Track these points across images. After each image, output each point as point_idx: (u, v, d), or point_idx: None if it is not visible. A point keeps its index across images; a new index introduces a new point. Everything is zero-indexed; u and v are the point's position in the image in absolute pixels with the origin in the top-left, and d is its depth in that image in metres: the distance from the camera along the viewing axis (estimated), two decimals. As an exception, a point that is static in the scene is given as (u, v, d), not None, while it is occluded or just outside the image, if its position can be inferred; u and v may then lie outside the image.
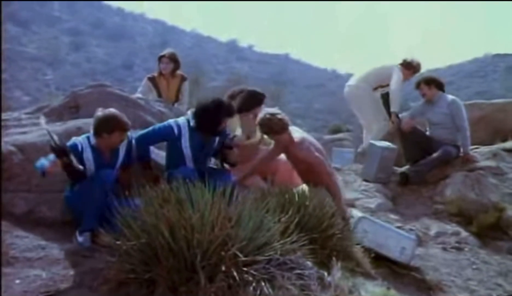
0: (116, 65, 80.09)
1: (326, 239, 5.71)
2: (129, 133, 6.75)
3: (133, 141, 6.85)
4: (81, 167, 6.20)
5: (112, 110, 6.66)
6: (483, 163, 10.01)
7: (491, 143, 11.47)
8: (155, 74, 10.46)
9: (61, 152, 5.93)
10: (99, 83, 8.94)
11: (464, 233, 8.44)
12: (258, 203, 5.25)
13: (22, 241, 5.81)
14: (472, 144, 10.84)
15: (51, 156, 5.96)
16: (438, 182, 9.64)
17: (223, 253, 4.34)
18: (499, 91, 60.06)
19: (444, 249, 8.00)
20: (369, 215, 7.73)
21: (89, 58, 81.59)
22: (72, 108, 8.48)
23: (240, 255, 4.34)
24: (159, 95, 10.26)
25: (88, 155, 6.44)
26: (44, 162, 5.94)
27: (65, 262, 5.48)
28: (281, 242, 4.68)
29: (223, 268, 4.28)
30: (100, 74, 67.56)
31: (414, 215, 8.76)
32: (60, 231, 6.38)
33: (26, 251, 5.60)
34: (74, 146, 6.37)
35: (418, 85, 10.28)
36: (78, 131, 7.19)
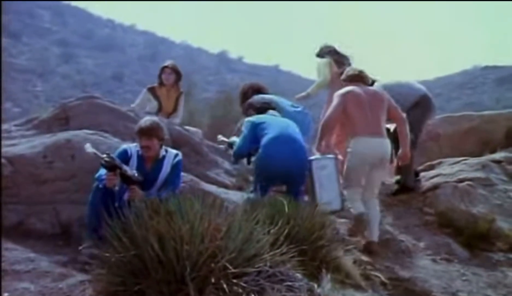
0: (106, 76, 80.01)
1: (315, 251, 5.71)
2: (179, 155, 6.88)
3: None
4: (134, 172, 6.37)
5: (148, 117, 6.85)
6: (473, 174, 10.03)
7: (480, 154, 11.52)
8: (155, 85, 10.39)
9: (112, 166, 6.12)
10: (89, 95, 8.95)
11: (453, 244, 8.45)
12: (247, 214, 5.24)
13: (11, 253, 5.79)
14: (461, 155, 10.90)
15: (103, 170, 6.24)
16: (427, 193, 9.67)
17: (212, 264, 4.33)
18: (488, 103, 60.37)
19: (434, 260, 8.00)
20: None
21: (79, 69, 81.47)
22: (62, 120, 8.48)
23: (230, 266, 4.33)
24: (160, 105, 10.22)
25: (133, 162, 6.60)
26: (102, 172, 6.27)
27: (54, 275, 5.47)
28: (271, 253, 4.68)
29: (213, 280, 4.27)
30: (90, 86, 67.46)
31: (404, 226, 8.76)
32: (50, 243, 6.37)
33: (15, 264, 5.58)
34: (124, 153, 6.62)
35: None
36: (68, 143, 7.20)
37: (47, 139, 7.48)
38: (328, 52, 10.62)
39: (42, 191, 6.86)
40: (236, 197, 7.93)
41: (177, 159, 6.81)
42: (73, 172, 7.07)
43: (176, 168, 6.80)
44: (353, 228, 8.07)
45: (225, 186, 8.58)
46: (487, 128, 13.38)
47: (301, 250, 5.28)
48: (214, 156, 9.26)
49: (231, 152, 8.44)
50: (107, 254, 4.66)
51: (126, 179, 6.28)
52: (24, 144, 7.45)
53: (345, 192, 8.17)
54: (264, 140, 7.48)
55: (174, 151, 6.88)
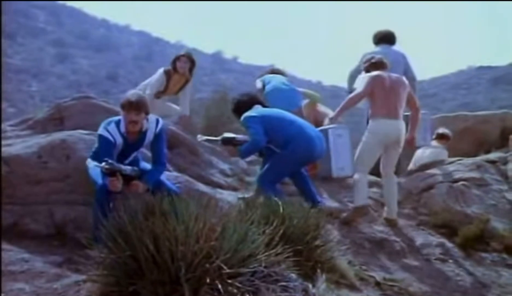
0: (101, 76, 79.75)
1: (310, 251, 5.71)
2: (159, 121, 6.91)
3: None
4: (133, 168, 6.52)
5: (132, 91, 6.80)
6: (467, 174, 10.06)
7: (475, 154, 11.58)
8: (171, 69, 10.49)
9: (112, 172, 6.20)
10: (84, 95, 8.94)
11: (448, 244, 8.47)
12: (242, 214, 5.24)
13: (6, 254, 5.77)
14: (456, 156, 10.93)
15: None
16: (422, 193, 9.69)
17: (207, 265, 4.33)
18: (483, 103, 60.36)
19: (429, 260, 8.01)
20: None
21: (74, 69, 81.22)
22: (57, 120, 8.47)
23: (225, 267, 4.32)
24: (166, 88, 10.43)
25: (119, 144, 6.61)
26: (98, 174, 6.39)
27: (48, 275, 5.46)
28: (266, 254, 4.67)
29: (208, 281, 4.26)
30: (85, 86, 67.31)
31: (398, 226, 8.76)
32: (44, 244, 6.36)
33: (9, 264, 5.57)
34: (110, 145, 6.54)
35: None
36: (62, 143, 7.18)
37: (42, 139, 7.47)
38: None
39: (37, 191, 6.85)
40: (231, 197, 7.94)
41: (159, 127, 6.83)
42: (68, 172, 7.06)
43: (160, 136, 6.86)
44: (350, 217, 8.53)
45: (220, 186, 8.58)
46: (482, 128, 13.45)
47: (296, 250, 5.27)
48: (209, 156, 9.26)
49: (222, 147, 8.65)
50: (102, 255, 4.66)
51: (127, 177, 6.36)
52: (19, 144, 7.44)
53: (355, 175, 8.66)
54: (293, 130, 7.74)
55: (154, 117, 6.85)
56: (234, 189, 8.67)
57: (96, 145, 6.71)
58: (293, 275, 4.80)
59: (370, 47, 10.90)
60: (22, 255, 5.85)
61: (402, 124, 8.77)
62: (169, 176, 7.55)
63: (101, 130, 6.56)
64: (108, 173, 6.20)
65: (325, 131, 9.14)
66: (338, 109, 8.93)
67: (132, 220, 4.70)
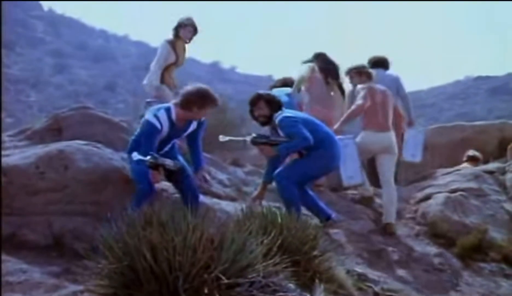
0: (99, 87, 79.72)
1: (308, 261, 5.70)
2: None
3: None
4: (176, 163, 7.01)
5: (203, 86, 7.22)
6: (465, 185, 10.07)
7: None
8: (172, 38, 10.51)
9: (156, 166, 6.67)
10: (82, 106, 8.94)
11: (447, 255, 8.46)
12: (240, 224, 5.24)
13: (3, 264, 5.76)
14: (454, 165, 10.93)
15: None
16: (420, 203, 9.69)
17: (205, 275, 4.32)
18: (480, 113, 60.51)
19: (427, 270, 8.01)
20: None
21: (72, 80, 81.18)
22: (55, 130, 8.47)
23: (223, 277, 4.31)
24: (177, 59, 10.48)
25: (165, 129, 6.99)
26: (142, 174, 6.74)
27: (46, 286, 5.45)
28: (264, 264, 4.66)
29: (206, 291, 4.25)
30: (83, 96, 67.26)
31: (396, 236, 8.76)
32: (42, 254, 6.35)
33: (7, 275, 5.56)
34: (157, 132, 6.91)
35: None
36: (60, 154, 7.18)
37: (40, 150, 7.46)
38: (316, 57, 10.63)
39: (35, 202, 6.84)
40: (229, 207, 7.93)
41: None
42: (66, 183, 7.05)
43: (203, 124, 7.47)
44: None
45: (218, 197, 8.57)
46: (480, 138, 13.48)
47: (294, 260, 5.28)
48: (207, 166, 9.26)
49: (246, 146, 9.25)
50: (99, 265, 4.65)
51: (168, 171, 6.86)
52: (17, 155, 7.43)
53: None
54: (324, 134, 7.99)
55: None
56: (232, 199, 8.66)
57: (137, 131, 7.08)
58: (291, 285, 4.79)
59: (366, 56, 10.97)
60: (20, 266, 5.84)
61: (391, 135, 9.27)
62: (168, 186, 7.56)
63: (149, 117, 6.90)
64: (152, 167, 6.60)
65: None
66: (341, 120, 9.37)
67: (130, 230, 4.69)
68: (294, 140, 7.65)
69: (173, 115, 6.97)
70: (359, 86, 9.50)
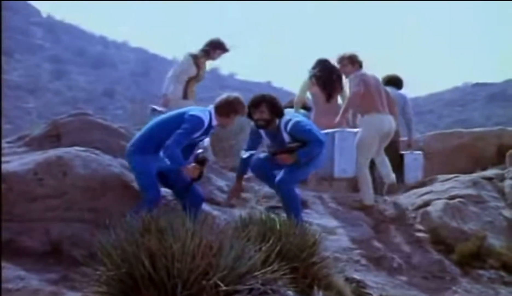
0: (97, 93, 79.68)
1: (307, 268, 5.70)
2: None
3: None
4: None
5: (236, 94, 7.80)
6: (464, 191, 10.06)
7: (471, 172, 11.56)
8: (197, 53, 10.72)
9: (204, 161, 7.18)
10: (80, 112, 8.91)
11: (445, 262, 8.46)
12: (239, 231, 5.24)
13: (1, 271, 5.75)
14: (452, 172, 10.94)
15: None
16: (419, 210, 9.68)
17: (204, 282, 4.32)
18: (478, 120, 60.53)
19: (426, 277, 8.00)
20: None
21: (70, 86, 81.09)
22: (53, 137, 8.45)
23: (221, 284, 4.31)
24: (197, 75, 10.77)
25: (202, 131, 7.41)
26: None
27: (44, 293, 5.44)
28: (263, 271, 4.67)
29: (204, 298, 4.26)
30: (82, 102, 67.18)
31: (395, 243, 8.76)
32: (41, 261, 6.34)
33: (5, 282, 5.55)
34: (200, 128, 7.34)
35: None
36: (59, 160, 7.17)
37: (38, 156, 7.45)
38: (316, 65, 10.77)
39: (33, 208, 6.82)
40: (227, 214, 7.92)
41: None
42: (64, 189, 7.04)
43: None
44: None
45: (217, 203, 8.56)
46: (478, 145, 13.47)
47: (293, 267, 5.27)
48: (206, 173, 9.24)
49: None
50: (98, 272, 4.64)
51: (200, 175, 7.25)
52: (16, 161, 7.42)
53: (360, 172, 9.66)
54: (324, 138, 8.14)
55: None
56: (231, 206, 8.65)
57: (183, 126, 7.16)
58: (290, 292, 4.79)
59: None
60: (18, 273, 5.82)
61: (391, 118, 9.89)
62: (165, 192, 7.55)
63: (199, 113, 7.32)
64: (201, 162, 7.07)
65: (331, 134, 9.50)
66: (341, 112, 9.81)
67: (128, 236, 4.69)
68: (310, 145, 7.72)
69: (214, 120, 7.46)
70: (351, 75, 9.80)
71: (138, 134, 7.41)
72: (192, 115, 7.25)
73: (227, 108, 7.54)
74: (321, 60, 10.84)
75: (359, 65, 9.92)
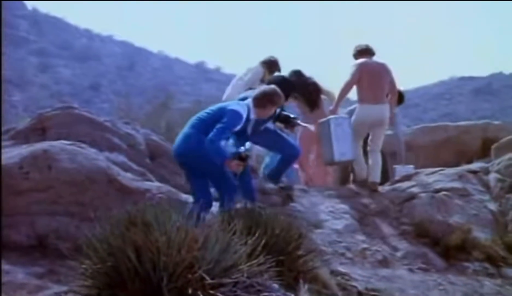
0: (83, 86, 79.40)
1: (293, 261, 5.72)
2: None
3: None
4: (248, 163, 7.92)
5: (273, 86, 8.20)
6: (449, 185, 10.10)
7: (456, 165, 11.60)
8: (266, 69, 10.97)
9: (246, 157, 7.51)
10: (66, 105, 8.90)
11: (430, 254, 8.49)
12: (224, 224, 5.24)
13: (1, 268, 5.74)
14: (438, 166, 10.99)
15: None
16: (404, 203, 9.71)
17: (189, 275, 4.32)
18: (464, 114, 60.77)
19: (411, 270, 8.03)
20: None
21: (56, 79, 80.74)
22: (39, 130, 8.43)
23: (207, 277, 4.32)
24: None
25: (241, 124, 7.69)
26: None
27: (30, 287, 5.43)
28: (248, 264, 4.67)
29: (190, 291, 4.25)
30: (68, 96, 66.84)
31: (381, 236, 8.78)
32: (26, 255, 6.33)
33: (-10, 276, 5.53)
34: (241, 122, 7.63)
35: None
36: (44, 154, 7.15)
37: (24, 150, 7.42)
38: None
39: (19, 202, 6.81)
40: (213, 207, 7.92)
41: None
42: (50, 183, 7.02)
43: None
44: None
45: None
46: (464, 138, 13.53)
47: (278, 260, 5.27)
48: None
49: None
50: (83, 266, 4.64)
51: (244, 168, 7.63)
52: (2, 155, 7.39)
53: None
54: None
55: None
56: (217, 200, 8.65)
57: (223, 121, 7.40)
58: (276, 285, 4.80)
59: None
60: (3, 266, 5.81)
61: (386, 108, 10.20)
62: (151, 186, 7.55)
63: (238, 108, 7.65)
64: (243, 158, 7.40)
65: (327, 121, 10.02)
66: (335, 102, 10.29)
67: (114, 230, 4.68)
68: None
69: (252, 113, 7.82)
70: (352, 63, 10.33)
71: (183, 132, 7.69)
72: (231, 110, 7.53)
73: (264, 100, 7.91)
74: (295, 72, 11.04)
75: (362, 53, 10.50)
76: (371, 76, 10.18)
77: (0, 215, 6.51)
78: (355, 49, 10.73)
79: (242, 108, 7.65)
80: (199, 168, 7.46)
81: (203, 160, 7.33)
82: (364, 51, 10.57)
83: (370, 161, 10.22)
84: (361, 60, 10.34)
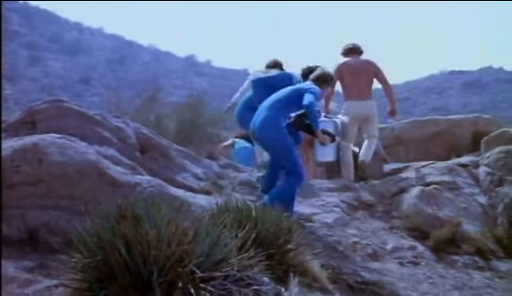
0: (73, 80, 79.23)
1: (283, 255, 5.72)
2: None
3: None
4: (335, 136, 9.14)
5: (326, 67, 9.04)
6: (439, 178, 10.14)
7: (447, 158, 11.65)
8: None
9: (333, 137, 8.86)
10: (56, 99, 8.85)
11: (420, 248, 8.52)
12: (215, 218, 5.25)
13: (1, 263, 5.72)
14: (428, 159, 11.03)
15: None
16: (394, 196, 9.75)
17: (180, 269, 4.32)
18: (454, 107, 60.95)
19: (401, 263, 8.05)
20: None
21: (46, 72, 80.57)
22: (29, 123, 8.40)
23: (197, 271, 4.32)
24: None
25: None
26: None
27: (20, 281, 5.41)
28: (238, 257, 4.68)
29: (180, 285, 4.25)
30: (58, 89, 66.71)
31: (371, 229, 8.81)
32: (16, 249, 6.30)
33: (-20, 270, 5.52)
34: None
35: None
36: (35, 147, 7.13)
37: (15, 143, 7.40)
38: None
39: (10, 196, 6.78)
40: (204, 201, 7.92)
41: None
42: (40, 177, 7.00)
43: None
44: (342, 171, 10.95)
45: (193, 190, 8.55)
46: (454, 132, 13.56)
47: (269, 254, 5.29)
48: (182, 160, 9.23)
49: None
50: (73, 259, 4.64)
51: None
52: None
53: (342, 142, 10.89)
54: None
55: None
56: (207, 193, 8.66)
57: (312, 90, 8.28)
58: (266, 279, 4.81)
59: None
60: (-6, 261, 5.79)
61: (371, 103, 11.00)
62: (141, 180, 7.53)
63: (316, 87, 8.40)
64: (332, 136, 8.77)
65: None
66: (324, 106, 10.71)
67: (104, 224, 4.68)
68: None
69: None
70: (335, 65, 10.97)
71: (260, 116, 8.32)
72: (312, 87, 8.34)
73: (320, 81, 8.61)
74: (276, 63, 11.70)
75: (347, 53, 11.34)
76: (352, 74, 10.89)
77: (0, 208, 6.50)
78: (343, 48, 11.41)
79: (314, 87, 8.41)
80: (275, 148, 8.25)
81: (280, 141, 8.10)
82: (351, 50, 11.24)
83: (364, 143, 11.02)
84: (342, 60, 11.18)
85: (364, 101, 10.97)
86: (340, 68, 10.98)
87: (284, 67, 10.89)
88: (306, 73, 9.17)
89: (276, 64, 10.96)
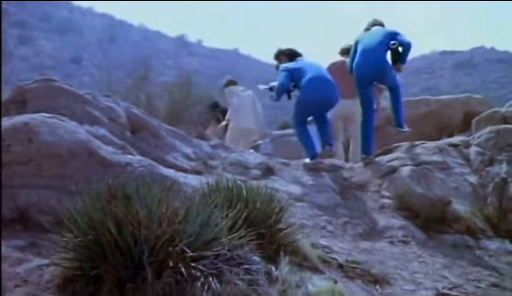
0: (64, 59, 78.99)
1: (273, 234, 5.73)
2: None
3: None
4: None
5: None
6: (430, 158, 10.16)
7: (438, 138, 11.69)
8: None
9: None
10: (46, 78, 8.81)
11: (411, 227, 8.55)
12: (206, 198, 5.25)
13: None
14: (419, 139, 11.05)
15: None
16: (385, 176, 9.76)
17: (170, 248, 4.32)
18: (445, 88, 61.03)
19: (391, 242, 8.08)
20: None
21: (37, 52, 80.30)
22: (19, 102, 8.37)
23: (188, 250, 4.32)
24: None
25: None
26: None
27: (11, 260, 5.41)
28: (229, 237, 4.68)
29: (171, 264, 4.26)
30: (48, 69, 66.51)
31: (361, 209, 8.84)
32: (7, 228, 6.29)
33: (-29, 250, 5.51)
34: None
35: None
36: (25, 127, 7.10)
37: (5, 122, 7.37)
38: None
39: (0, 175, 6.77)
40: (194, 181, 7.92)
41: None
42: (31, 156, 6.98)
43: None
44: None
45: (184, 170, 8.55)
46: (445, 112, 13.62)
47: (259, 233, 5.29)
48: (173, 140, 9.22)
49: (272, 94, 10.86)
50: (64, 239, 4.64)
51: None
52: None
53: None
54: (304, 79, 10.35)
55: None
56: (198, 173, 8.65)
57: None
58: (256, 258, 4.82)
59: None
60: (-15, 240, 5.79)
61: (356, 102, 11.28)
62: (132, 160, 7.52)
63: None
64: None
65: None
66: None
67: (95, 203, 4.67)
68: None
69: None
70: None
71: None
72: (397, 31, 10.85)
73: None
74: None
75: (342, 53, 12.44)
76: (339, 74, 11.32)
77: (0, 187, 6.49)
78: (341, 48, 12.49)
79: None
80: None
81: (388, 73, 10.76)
82: (348, 51, 11.65)
83: (350, 148, 12.10)
84: (332, 61, 12.27)
85: (348, 100, 11.65)
86: (329, 69, 11.56)
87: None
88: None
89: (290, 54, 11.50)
